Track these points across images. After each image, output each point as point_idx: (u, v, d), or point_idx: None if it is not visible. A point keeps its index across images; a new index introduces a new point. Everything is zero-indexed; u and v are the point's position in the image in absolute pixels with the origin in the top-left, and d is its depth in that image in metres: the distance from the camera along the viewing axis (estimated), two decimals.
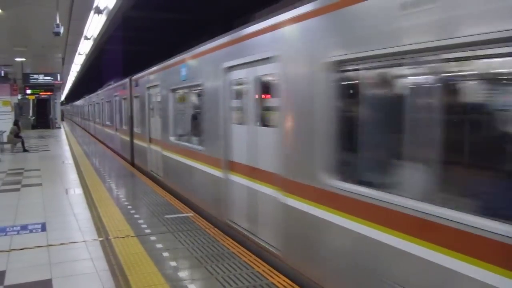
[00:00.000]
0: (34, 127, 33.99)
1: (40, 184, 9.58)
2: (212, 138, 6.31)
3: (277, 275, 4.33)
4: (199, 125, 7.01)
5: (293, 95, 4.22)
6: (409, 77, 3.14)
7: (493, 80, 2.74)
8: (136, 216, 6.69)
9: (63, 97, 51.50)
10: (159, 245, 5.29)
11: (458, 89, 2.94)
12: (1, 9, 9.90)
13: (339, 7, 3.54)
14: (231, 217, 5.81)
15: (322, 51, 3.74)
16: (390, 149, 3.36)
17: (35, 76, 22.90)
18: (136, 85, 11.97)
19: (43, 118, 35.32)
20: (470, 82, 2.89)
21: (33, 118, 35.60)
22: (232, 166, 5.81)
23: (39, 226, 6.19)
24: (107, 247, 5.24)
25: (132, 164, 12.88)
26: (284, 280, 4.20)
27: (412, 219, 2.88)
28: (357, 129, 3.53)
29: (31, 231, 5.99)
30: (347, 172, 3.62)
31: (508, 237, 2.30)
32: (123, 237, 5.60)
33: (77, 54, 17.36)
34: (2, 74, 21.69)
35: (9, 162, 14.10)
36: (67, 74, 26.98)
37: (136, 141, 12.47)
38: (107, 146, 18.26)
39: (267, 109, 5.02)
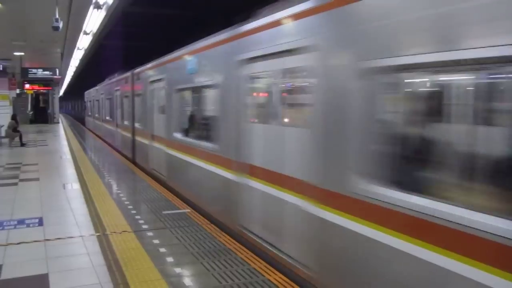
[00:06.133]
0: (32, 121, 33.93)
1: (37, 179, 9.58)
2: None
3: (273, 272, 4.34)
4: None
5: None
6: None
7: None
8: (133, 211, 6.71)
9: (61, 92, 51.36)
10: (156, 241, 5.30)
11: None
12: (1, 3, 9.87)
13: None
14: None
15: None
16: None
17: (34, 70, 22.88)
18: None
19: (41, 113, 35.26)
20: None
21: (32, 112, 35.54)
22: None
23: (36, 220, 6.20)
24: (104, 242, 5.25)
25: None
26: (280, 277, 4.22)
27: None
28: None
29: (28, 225, 5.99)
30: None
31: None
32: (120, 233, 5.62)
33: (76, 49, 17.33)
34: (1, 68, 21.62)
35: (6, 156, 14.09)
36: (66, 69, 26.92)
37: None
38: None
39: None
